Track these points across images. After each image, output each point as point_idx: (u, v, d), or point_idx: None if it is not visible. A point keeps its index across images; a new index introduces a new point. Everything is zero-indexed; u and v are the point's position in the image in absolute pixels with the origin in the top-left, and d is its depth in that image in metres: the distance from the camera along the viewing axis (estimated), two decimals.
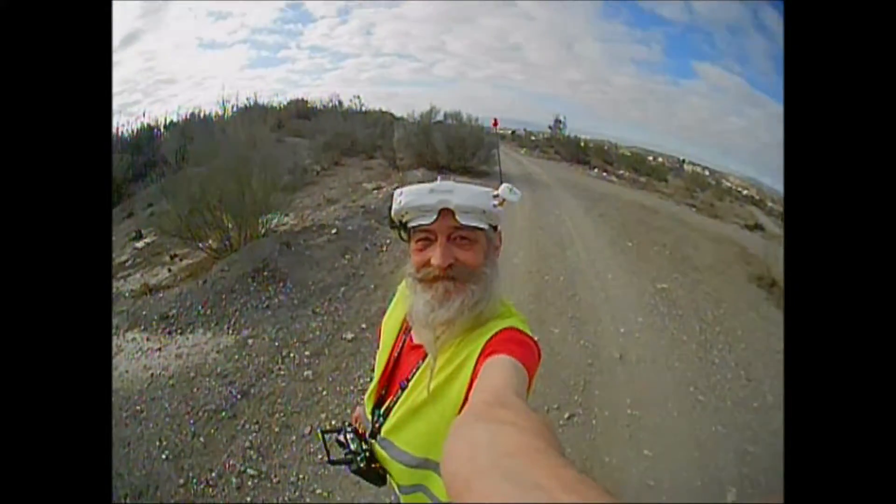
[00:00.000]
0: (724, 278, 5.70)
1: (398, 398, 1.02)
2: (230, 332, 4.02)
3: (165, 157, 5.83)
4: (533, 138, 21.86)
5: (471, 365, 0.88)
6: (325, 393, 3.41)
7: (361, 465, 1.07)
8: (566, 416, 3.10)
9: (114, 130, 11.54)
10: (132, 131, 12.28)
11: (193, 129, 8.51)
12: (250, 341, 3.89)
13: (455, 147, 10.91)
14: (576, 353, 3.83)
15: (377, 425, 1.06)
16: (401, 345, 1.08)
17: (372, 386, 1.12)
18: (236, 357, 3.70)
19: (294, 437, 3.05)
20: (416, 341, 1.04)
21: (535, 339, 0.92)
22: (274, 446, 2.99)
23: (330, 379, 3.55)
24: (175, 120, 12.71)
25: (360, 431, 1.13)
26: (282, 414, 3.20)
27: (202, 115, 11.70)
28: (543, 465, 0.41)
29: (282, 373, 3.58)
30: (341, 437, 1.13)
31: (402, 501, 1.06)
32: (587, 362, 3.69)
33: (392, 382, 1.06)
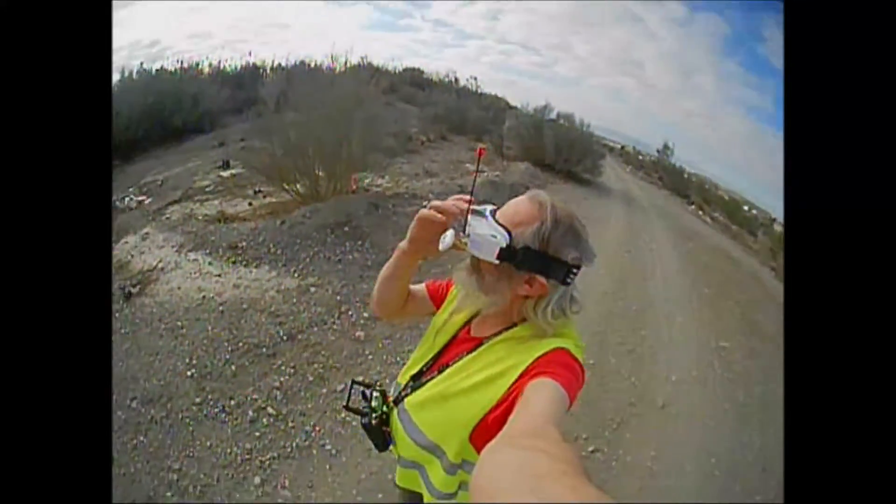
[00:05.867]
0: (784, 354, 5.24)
1: (433, 378, 1.05)
2: (296, 275, 4.13)
3: (265, 98, 6.02)
4: (640, 158, 21.10)
5: (514, 376, 0.87)
6: (370, 357, 3.44)
7: (373, 422, 1.14)
8: (590, 449, 2.99)
9: (216, 64, 12.20)
10: (235, 67, 12.82)
11: (299, 76, 8.72)
12: (312, 289, 3.99)
13: (563, 148, 10.62)
14: (624, 389, 3.67)
15: (404, 394, 1.11)
16: (457, 331, 1.11)
17: (415, 356, 1.17)
18: (294, 301, 3.80)
19: (325, 390, 3.09)
20: (473, 333, 1.06)
21: (582, 364, 0.90)
22: (302, 393, 3.05)
23: (380, 345, 3.58)
24: (283, 64, 12.99)
25: (386, 395, 1.19)
26: (321, 366, 3.27)
27: (311, 64, 11.71)
28: (568, 485, 0.45)
29: (335, 327, 3.65)
30: (367, 392, 1.20)
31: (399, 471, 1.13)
32: (630, 401, 3.53)
33: (436, 362, 1.09)
